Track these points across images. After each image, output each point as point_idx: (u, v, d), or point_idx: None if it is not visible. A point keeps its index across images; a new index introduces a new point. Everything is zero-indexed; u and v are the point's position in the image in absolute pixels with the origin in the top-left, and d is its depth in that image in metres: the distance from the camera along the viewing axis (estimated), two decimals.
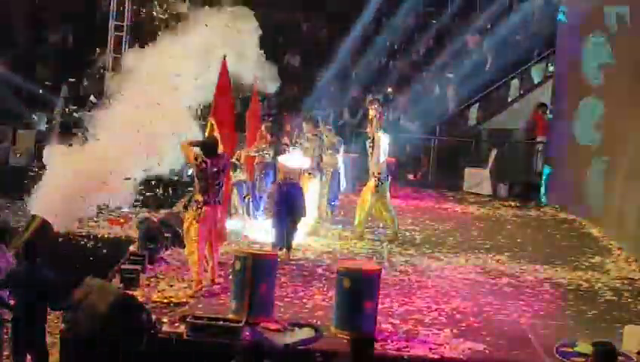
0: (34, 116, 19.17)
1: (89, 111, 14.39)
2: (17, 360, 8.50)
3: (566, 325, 9.88)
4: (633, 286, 11.79)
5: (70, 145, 12.79)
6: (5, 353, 8.87)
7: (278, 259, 10.13)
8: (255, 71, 13.38)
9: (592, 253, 13.70)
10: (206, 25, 12.80)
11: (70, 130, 15.76)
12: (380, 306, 9.33)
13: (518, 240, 14.39)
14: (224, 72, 11.84)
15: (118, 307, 8.33)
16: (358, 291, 9.01)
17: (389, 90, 21.35)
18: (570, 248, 14.03)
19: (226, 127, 11.54)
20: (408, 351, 8.62)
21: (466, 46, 21.57)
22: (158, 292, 10.01)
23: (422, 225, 15.17)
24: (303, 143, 13.87)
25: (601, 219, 15.50)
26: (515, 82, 21.20)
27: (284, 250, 11.94)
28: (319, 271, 11.54)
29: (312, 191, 13.68)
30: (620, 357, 8.38)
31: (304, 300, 10.16)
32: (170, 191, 15.53)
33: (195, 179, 10.56)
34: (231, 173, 12.94)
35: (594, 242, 14.66)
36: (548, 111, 19.38)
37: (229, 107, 12.07)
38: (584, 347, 8.39)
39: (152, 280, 10.54)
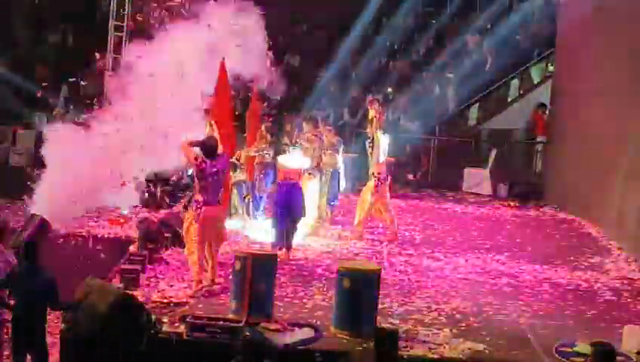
0: (35, 118, 19.14)
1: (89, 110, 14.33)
2: (17, 360, 8.51)
3: (566, 325, 9.88)
4: (633, 286, 11.79)
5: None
6: (5, 353, 8.87)
7: (278, 259, 10.14)
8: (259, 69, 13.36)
9: (592, 253, 13.69)
10: (209, 25, 12.78)
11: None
12: (379, 306, 9.34)
13: (518, 240, 14.38)
14: (223, 72, 11.84)
15: (118, 307, 8.33)
16: (358, 291, 9.02)
17: (389, 90, 21.35)
18: (570, 248, 14.03)
19: (225, 127, 11.55)
20: (408, 351, 8.62)
21: (466, 46, 21.56)
22: (158, 292, 10.02)
23: (422, 225, 15.17)
24: (303, 143, 13.87)
25: (601, 219, 15.51)
26: (515, 82, 21.22)
27: (284, 249, 11.94)
28: (319, 271, 11.55)
29: (312, 191, 13.69)
30: (619, 357, 8.39)
31: (304, 300, 10.17)
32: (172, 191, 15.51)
33: (195, 179, 10.56)
34: (231, 173, 12.95)
35: (593, 242, 14.65)
36: (548, 111, 19.39)
37: (228, 107, 12.07)
38: (583, 347, 8.40)
39: (152, 280, 10.55)
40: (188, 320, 8.71)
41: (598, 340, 7.55)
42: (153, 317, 8.66)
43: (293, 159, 12.74)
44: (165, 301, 9.67)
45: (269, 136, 14.72)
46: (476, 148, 20.49)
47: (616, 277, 12.22)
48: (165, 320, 8.92)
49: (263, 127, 14.61)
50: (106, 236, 13.62)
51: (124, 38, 16.54)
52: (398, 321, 9.49)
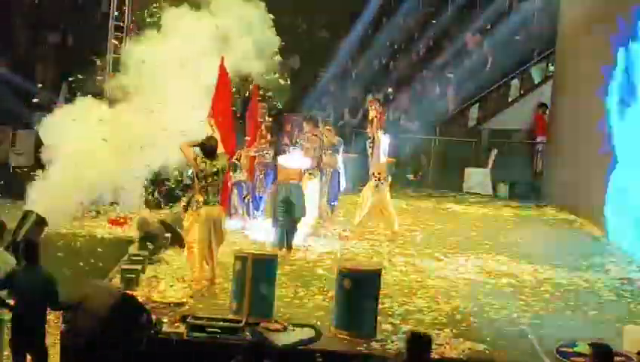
0: (35, 118, 19.14)
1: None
2: (17, 360, 8.50)
3: (566, 325, 9.88)
4: (633, 286, 11.79)
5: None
6: (5, 353, 8.87)
7: (278, 259, 10.14)
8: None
9: (592, 253, 13.69)
10: (217, 26, 12.85)
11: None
12: (380, 306, 9.35)
13: (518, 240, 14.38)
14: (222, 72, 11.84)
15: (118, 307, 8.32)
16: (358, 291, 9.02)
17: (389, 90, 21.35)
18: (570, 248, 14.02)
19: (225, 127, 11.54)
20: None
21: (465, 46, 21.55)
22: (158, 292, 10.02)
23: (422, 225, 15.17)
24: (303, 143, 13.87)
25: (601, 219, 15.49)
26: (515, 82, 21.20)
27: (284, 250, 11.94)
28: (319, 271, 11.55)
29: (312, 191, 13.69)
30: (620, 357, 8.40)
31: (304, 300, 10.17)
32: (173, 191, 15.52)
33: (195, 179, 10.56)
34: (231, 173, 12.95)
35: (594, 242, 14.66)
36: (548, 111, 19.38)
37: (228, 107, 12.07)
38: (584, 347, 8.39)
39: (152, 280, 10.55)
40: (188, 320, 8.71)
41: (595, 341, 7.55)
42: (153, 317, 8.66)
43: (294, 159, 12.74)
44: (165, 301, 9.67)
45: (269, 136, 14.72)
46: (476, 148, 20.48)
47: (617, 277, 12.22)
48: (165, 320, 8.93)
49: (263, 127, 14.61)
50: (106, 236, 13.63)
51: (124, 38, 16.51)
52: (398, 321, 9.51)
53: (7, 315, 8.70)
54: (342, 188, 15.64)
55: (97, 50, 17.57)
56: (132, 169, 12.69)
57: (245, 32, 13.19)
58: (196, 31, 12.92)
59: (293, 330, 8.96)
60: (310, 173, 13.63)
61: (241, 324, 8.71)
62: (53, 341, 8.92)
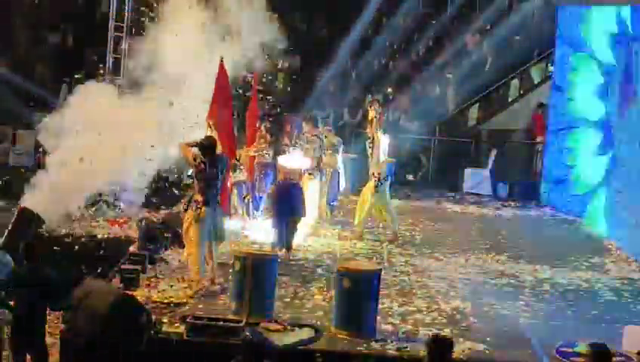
0: (35, 118, 19.16)
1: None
2: (17, 360, 8.50)
3: (566, 325, 9.88)
4: (633, 286, 11.80)
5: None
6: (5, 353, 8.86)
7: (278, 259, 10.14)
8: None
9: (592, 253, 13.69)
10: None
11: None
12: (379, 306, 9.34)
13: (518, 240, 14.38)
14: (222, 72, 11.83)
15: (118, 307, 8.32)
16: (358, 291, 9.02)
17: (389, 90, 21.33)
18: (570, 248, 14.02)
19: (225, 127, 11.54)
20: (408, 351, 8.62)
21: (465, 46, 21.55)
22: (158, 292, 10.02)
23: (422, 225, 15.17)
24: (303, 144, 13.87)
25: (601, 219, 15.51)
26: (515, 82, 21.18)
27: (284, 250, 11.94)
28: (319, 271, 11.55)
29: (312, 191, 13.69)
30: (620, 357, 8.40)
31: (304, 300, 10.17)
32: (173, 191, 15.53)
33: (194, 179, 10.57)
34: (231, 173, 12.95)
35: (594, 242, 14.65)
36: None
37: (228, 108, 12.06)
38: (584, 347, 8.38)
39: (152, 280, 10.54)
40: (188, 320, 8.70)
41: (594, 342, 7.54)
42: (153, 317, 8.66)
43: (294, 159, 12.74)
44: (165, 301, 9.67)
45: (268, 136, 14.72)
46: (476, 148, 20.47)
47: (617, 277, 12.22)
48: (165, 320, 8.93)
49: (262, 127, 14.61)
50: (106, 236, 13.63)
51: (124, 38, 16.53)
52: (398, 321, 9.51)
53: (8, 315, 8.70)
54: (342, 188, 15.65)
55: (97, 50, 17.61)
56: (137, 164, 12.68)
57: (250, 31, 13.22)
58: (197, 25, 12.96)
59: (293, 330, 8.96)
60: (310, 174, 13.63)
61: (241, 324, 8.70)
62: (53, 341, 8.91)
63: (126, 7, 16.56)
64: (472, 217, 16.50)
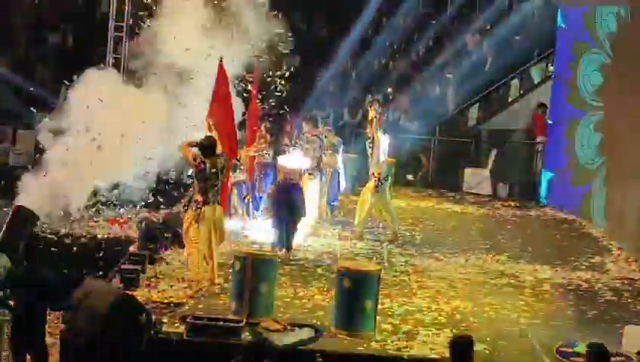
0: (35, 118, 19.16)
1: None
2: (17, 360, 8.50)
3: (566, 325, 9.88)
4: (633, 286, 11.80)
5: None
6: (5, 353, 8.87)
7: (278, 259, 10.14)
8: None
9: (592, 253, 13.70)
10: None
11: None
12: (379, 306, 9.34)
13: (518, 240, 14.39)
14: (221, 73, 11.83)
15: (118, 307, 8.32)
16: (358, 291, 9.02)
17: (389, 90, 21.34)
18: (570, 248, 14.03)
19: (225, 127, 11.54)
20: (408, 351, 8.63)
21: (465, 46, 21.55)
22: (158, 292, 10.02)
23: (422, 225, 15.17)
24: (303, 144, 13.87)
25: (600, 219, 15.51)
26: (515, 82, 21.18)
27: (284, 250, 11.94)
28: (319, 271, 11.55)
29: (312, 191, 13.70)
30: (620, 357, 8.40)
31: (304, 300, 10.17)
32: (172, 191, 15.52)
33: (194, 179, 10.57)
34: (231, 173, 12.95)
35: (594, 242, 14.66)
36: (548, 112, 19.36)
37: (228, 107, 12.06)
38: (584, 347, 8.38)
39: (152, 280, 10.54)
40: (188, 320, 8.70)
41: (593, 342, 7.55)
42: (153, 317, 8.66)
43: (294, 159, 12.74)
44: (165, 301, 9.67)
45: (268, 136, 14.72)
46: (476, 148, 20.47)
47: (617, 277, 12.23)
48: (165, 320, 8.93)
49: (262, 127, 14.61)
50: (105, 236, 13.63)
51: (124, 39, 16.53)
52: (398, 321, 9.51)
53: (7, 315, 8.70)
54: (342, 188, 15.65)
55: (97, 50, 17.59)
56: (137, 162, 12.67)
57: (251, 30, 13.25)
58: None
59: (293, 330, 8.96)
60: (310, 174, 13.63)
61: (241, 324, 8.70)
62: (53, 341, 8.91)
63: (126, 7, 16.55)
64: (472, 217, 16.50)
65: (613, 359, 7.51)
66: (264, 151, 14.37)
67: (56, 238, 13.07)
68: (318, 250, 12.74)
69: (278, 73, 15.41)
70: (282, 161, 12.72)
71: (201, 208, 10.26)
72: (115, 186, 13.18)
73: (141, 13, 14.14)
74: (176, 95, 12.91)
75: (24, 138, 18.14)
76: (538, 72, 21.05)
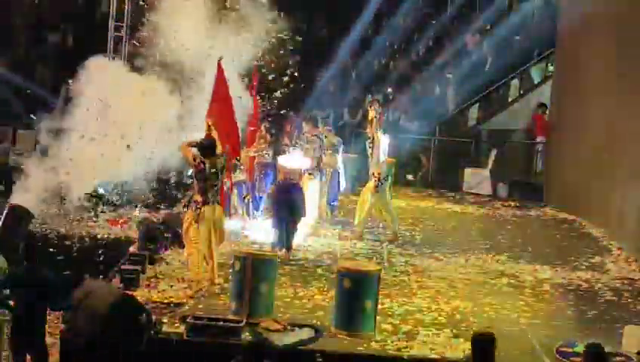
0: (32, 117, 19.17)
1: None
2: (17, 360, 8.50)
3: (566, 325, 9.88)
4: (633, 286, 11.80)
5: None
6: (5, 353, 8.87)
7: (278, 259, 10.13)
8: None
9: (592, 253, 13.70)
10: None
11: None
12: (379, 306, 9.34)
13: (518, 240, 14.39)
14: (220, 73, 11.83)
15: (118, 307, 8.31)
16: (358, 291, 9.01)
17: (389, 90, 21.34)
18: (570, 248, 14.03)
19: (225, 127, 11.53)
20: (408, 351, 8.63)
21: (465, 46, 21.56)
22: (158, 292, 10.01)
23: (422, 225, 15.17)
24: (303, 144, 13.86)
25: (601, 219, 15.51)
26: (515, 82, 21.21)
27: (284, 250, 11.94)
28: (319, 271, 11.55)
29: (312, 191, 13.70)
30: (620, 357, 8.40)
31: (304, 300, 10.17)
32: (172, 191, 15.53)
33: (194, 179, 10.57)
34: (231, 173, 12.95)
35: (594, 242, 14.66)
36: (548, 112, 19.38)
37: (228, 107, 12.06)
38: (583, 347, 8.39)
39: (152, 280, 10.54)
40: (188, 320, 8.70)
41: (596, 341, 7.55)
42: (153, 317, 8.66)
43: (294, 159, 12.74)
44: (165, 301, 9.67)
45: (268, 136, 14.72)
46: (476, 148, 20.49)
47: (617, 277, 12.22)
48: (165, 320, 8.92)
49: (262, 127, 14.61)
50: (106, 236, 13.63)
51: (124, 39, 16.54)
52: (398, 321, 9.51)
53: (7, 315, 8.70)
54: (342, 188, 15.65)
55: (97, 50, 17.58)
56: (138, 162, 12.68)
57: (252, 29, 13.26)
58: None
59: (293, 330, 8.96)
60: (310, 174, 13.63)
61: (241, 324, 8.70)
62: (53, 341, 8.91)
63: (126, 7, 16.56)
64: (472, 217, 16.51)
65: (613, 359, 7.50)
66: (264, 151, 14.37)
67: (56, 238, 13.07)
68: (318, 249, 12.74)
69: (279, 73, 15.42)
70: (282, 161, 12.72)
71: (200, 208, 10.26)
72: (115, 186, 13.20)
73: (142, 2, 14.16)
74: (176, 95, 12.90)
75: (24, 138, 18.14)
76: (538, 72, 21.08)
